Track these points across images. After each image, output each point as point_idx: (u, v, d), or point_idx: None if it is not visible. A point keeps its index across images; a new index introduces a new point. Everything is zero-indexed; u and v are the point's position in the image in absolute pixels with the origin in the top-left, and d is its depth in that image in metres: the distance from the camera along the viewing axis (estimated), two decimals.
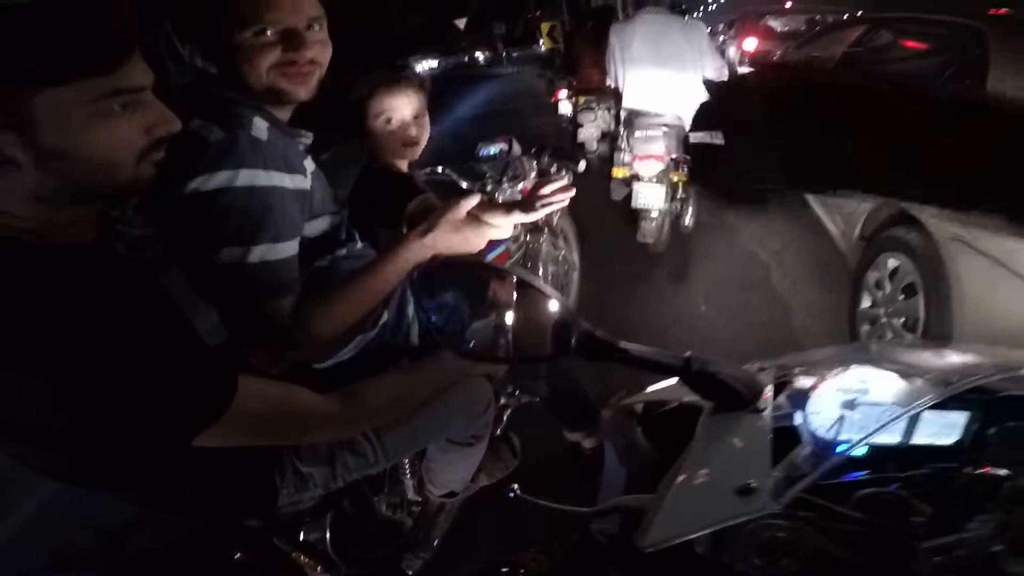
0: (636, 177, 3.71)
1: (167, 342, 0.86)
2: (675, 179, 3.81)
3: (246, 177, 1.04)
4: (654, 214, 3.78)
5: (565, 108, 6.32)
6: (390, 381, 1.29)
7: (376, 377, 1.22)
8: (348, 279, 1.19)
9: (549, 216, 2.70)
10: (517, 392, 2.15)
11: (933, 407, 0.75)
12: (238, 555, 1.36)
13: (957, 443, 0.81)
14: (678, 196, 4.07)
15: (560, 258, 3.08)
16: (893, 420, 0.74)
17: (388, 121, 1.68)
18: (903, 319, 2.44)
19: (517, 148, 2.78)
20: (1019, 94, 2.28)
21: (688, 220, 4.23)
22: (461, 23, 26.07)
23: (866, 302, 2.77)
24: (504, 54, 34.17)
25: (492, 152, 2.70)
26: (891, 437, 0.80)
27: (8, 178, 0.75)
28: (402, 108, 1.70)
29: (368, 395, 1.19)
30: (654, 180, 3.68)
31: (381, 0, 17.88)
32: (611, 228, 4.22)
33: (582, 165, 2.21)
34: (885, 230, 2.68)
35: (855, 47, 4.09)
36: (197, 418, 0.85)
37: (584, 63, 5.86)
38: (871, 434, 0.74)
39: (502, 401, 2.09)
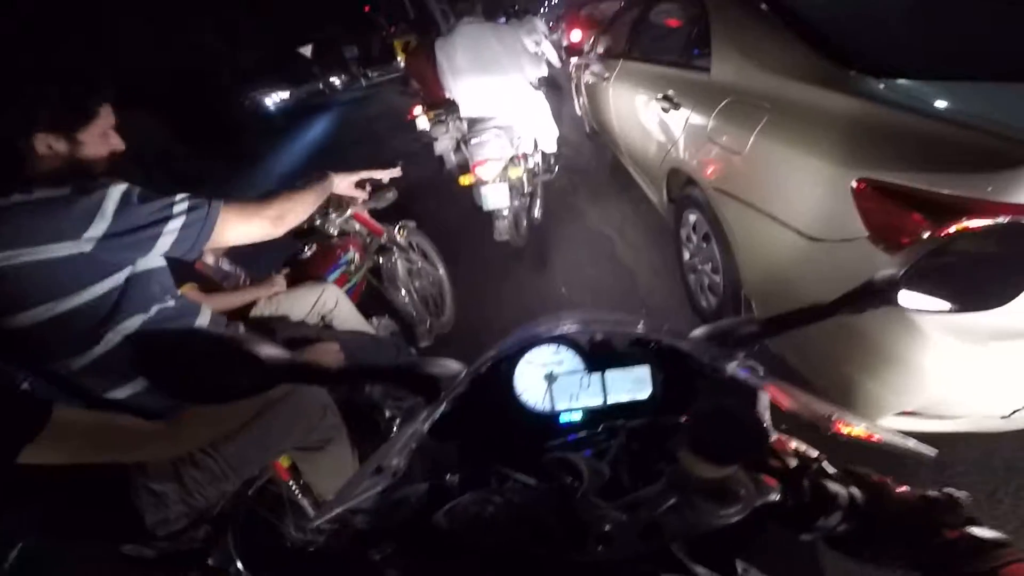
0: (481, 181, 3.89)
1: None
2: (514, 176, 4.01)
3: None
4: (505, 212, 4.01)
5: (423, 124, 6.16)
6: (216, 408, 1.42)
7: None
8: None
9: (391, 233, 2.83)
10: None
11: (617, 365, 0.84)
12: None
13: (652, 396, 0.85)
14: (524, 192, 4.33)
15: (421, 272, 3.22)
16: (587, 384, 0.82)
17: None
18: (709, 264, 2.78)
19: None
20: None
21: (538, 212, 4.52)
22: (307, 51, 25.49)
23: (686, 255, 3.13)
24: (361, 76, 33.95)
25: None
26: (595, 399, 0.85)
27: None
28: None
29: (185, 419, 1.36)
30: (496, 181, 3.88)
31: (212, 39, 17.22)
32: (477, 232, 4.42)
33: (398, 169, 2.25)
34: (682, 190, 3.03)
35: (635, 28, 4.43)
36: (16, 436, 1.05)
37: (428, 78, 5.83)
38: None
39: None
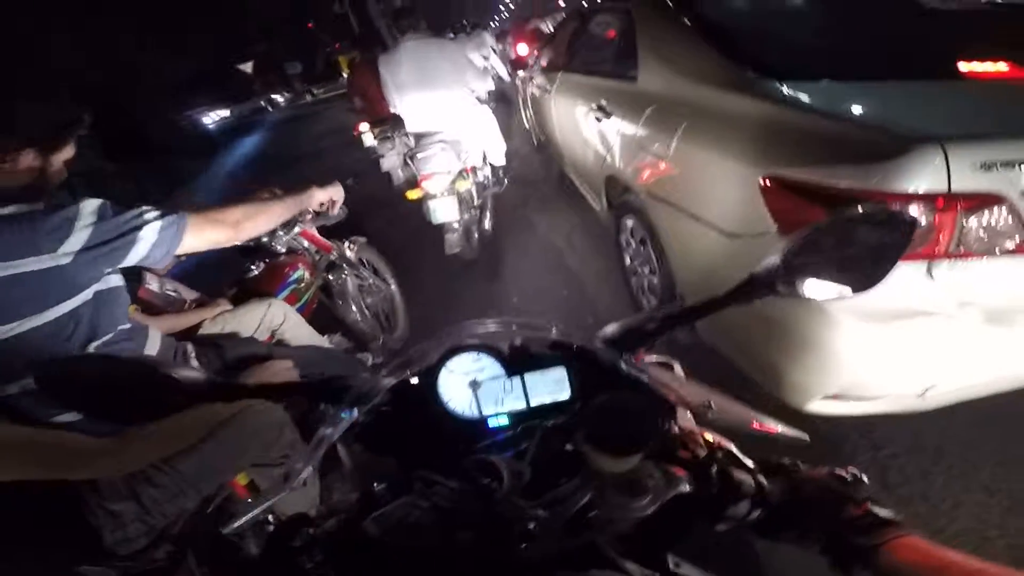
0: (428, 195, 3.94)
1: None
2: (462, 189, 4.06)
3: None
4: (455, 225, 4.06)
5: (369, 140, 5.85)
6: (158, 425, 1.42)
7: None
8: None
9: (341, 250, 2.86)
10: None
11: (536, 368, 0.85)
12: None
13: (572, 396, 0.86)
14: (474, 205, 4.40)
15: (372, 288, 3.23)
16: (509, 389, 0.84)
17: None
18: (647, 267, 2.89)
19: (279, 193, 3.02)
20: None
21: (488, 224, 4.60)
22: (247, 67, 25.01)
23: (627, 259, 3.23)
24: (306, 92, 33.42)
25: None
26: (519, 403, 0.86)
27: None
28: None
29: (131, 436, 1.37)
30: (444, 194, 3.93)
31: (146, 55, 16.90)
32: (428, 246, 4.45)
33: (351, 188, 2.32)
34: (620, 197, 3.14)
35: (573, 41, 4.59)
36: None
37: (372, 94, 5.78)
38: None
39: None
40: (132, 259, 1.42)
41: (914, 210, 1.52)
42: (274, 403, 1.68)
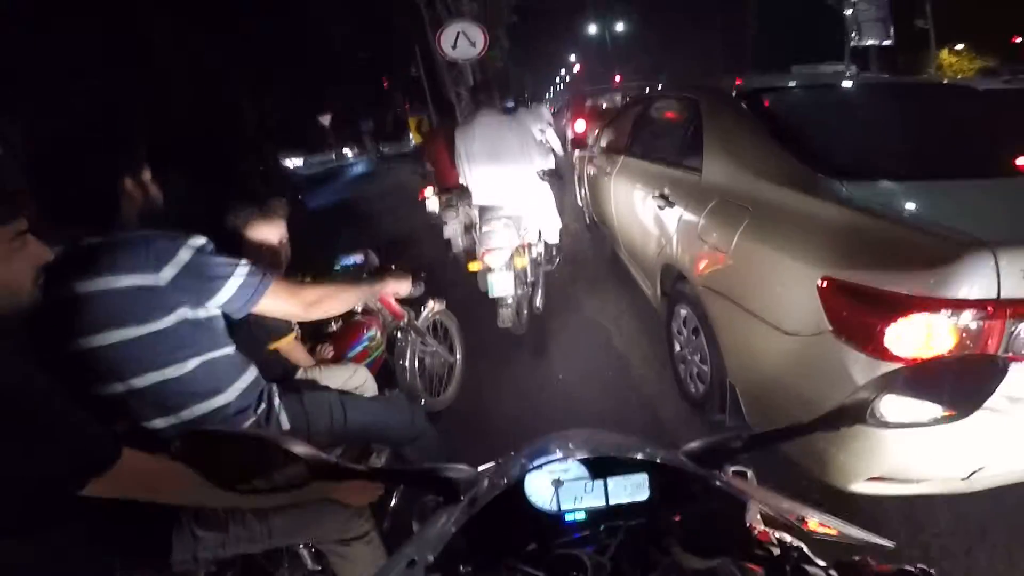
0: (489, 269, 4.01)
1: (64, 419, 1.20)
2: (519, 265, 4.16)
3: None
4: (509, 300, 4.11)
5: (432, 205, 6.40)
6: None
7: None
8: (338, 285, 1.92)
9: (411, 318, 2.94)
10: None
11: (619, 473, 0.90)
12: None
13: (650, 498, 0.90)
14: (527, 281, 4.49)
15: (434, 353, 3.32)
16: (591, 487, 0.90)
17: (260, 247, 2.08)
18: (698, 355, 2.92)
19: (374, 258, 3.18)
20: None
21: (539, 301, 4.68)
22: (325, 120, 26.00)
23: (677, 346, 3.28)
24: (374, 149, 34.21)
25: (350, 263, 3.08)
26: (598, 502, 0.91)
27: None
28: (271, 236, 2.13)
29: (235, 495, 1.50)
30: (503, 269, 4.01)
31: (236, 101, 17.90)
32: (479, 316, 4.49)
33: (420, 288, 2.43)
34: (674, 285, 3.21)
35: (637, 125, 4.71)
36: (83, 471, 1.19)
37: (442, 161, 6.04)
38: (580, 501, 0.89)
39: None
40: (214, 302, 1.58)
41: (966, 316, 1.57)
42: (377, 486, 1.76)
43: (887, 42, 17.56)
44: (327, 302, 1.85)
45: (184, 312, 1.54)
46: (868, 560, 0.73)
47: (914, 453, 1.78)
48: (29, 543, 1.31)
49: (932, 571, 0.67)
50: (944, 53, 26.90)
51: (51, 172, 1.57)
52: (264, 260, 2.00)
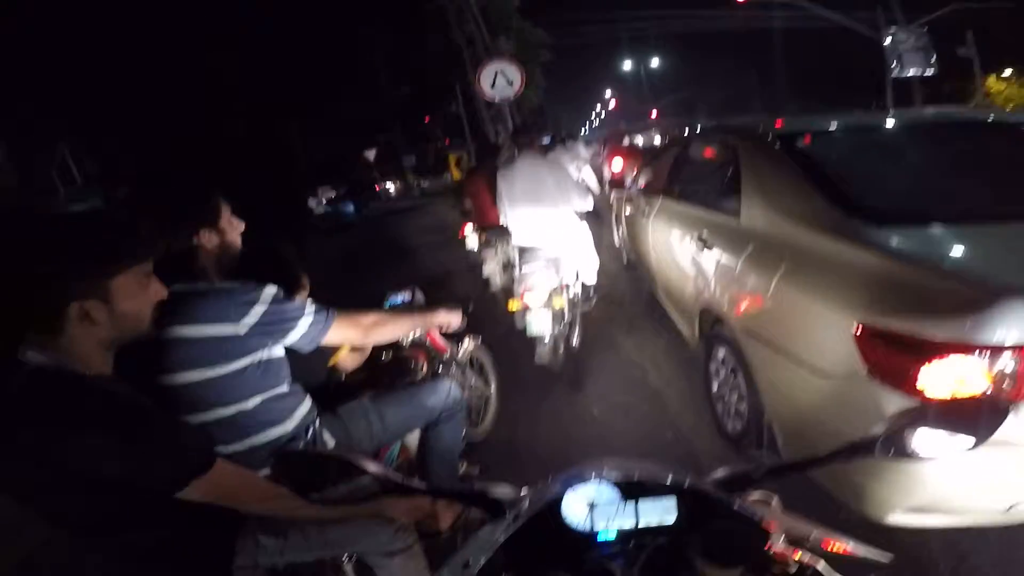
0: (527, 308, 4.15)
1: (171, 424, 1.43)
2: (557, 305, 4.26)
3: None
4: (546, 339, 4.23)
5: (472, 243, 6.55)
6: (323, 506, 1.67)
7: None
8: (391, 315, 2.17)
9: (455, 352, 3.10)
10: None
11: (649, 496, 0.96)
12: None
13: (677, 520, 0.95)
14: (565, 320, 4.56)
15: (472, 387, 3.42)
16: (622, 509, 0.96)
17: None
18: (736, 394, 2.98)
19: (420, 296, 3.32)
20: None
21: (576, 340, 4.74)
22: (371, 155, 26.48)
23: (715, 386, 3.32)
24: (415, 184, 34.85)
25: (398, 301, 3.24)
26: (628, 522, 0.97)
27: (90, 333, 1.33)
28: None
29: (304, 504, 1.61)
30: (542, 308, 4.13)
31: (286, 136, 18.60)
32: (516, 353, 4.61)
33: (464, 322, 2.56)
34: (712, 328, 3.27)
35: (675, 167, 4.80)
36: (189, 472, 1.36)
37: (482, 200, 6.23)
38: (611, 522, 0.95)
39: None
40: (287, 341, 1.81)
41: (1002, 360, 1.62)
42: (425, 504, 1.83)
43: (929, 71, 17.41)
44: (384, 326, 2.08)
45: (259, 354, 1.76)
46: None
47: (950, 485, 1.81)
48: (97, 547, 1.49)
49: None
50: (991, 80, 26.45)
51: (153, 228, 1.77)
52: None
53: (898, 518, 1.93)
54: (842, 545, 0.93)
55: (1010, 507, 1.82)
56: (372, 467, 0.92)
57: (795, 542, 0.93)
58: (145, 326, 1.45)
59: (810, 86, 27.37)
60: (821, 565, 0.88)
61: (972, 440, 0.93)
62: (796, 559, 0.90)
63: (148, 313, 1.45)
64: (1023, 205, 2.30)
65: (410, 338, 2.73)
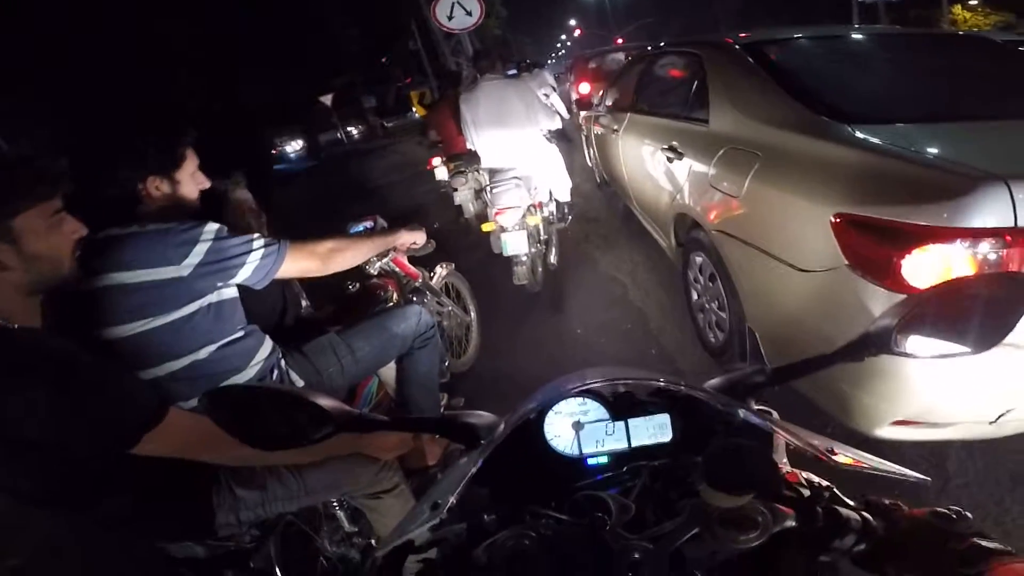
0: (501, 228, 4.10)
1: (115, 375, 1.31)
2: (532, 223, 4.24)
3: None
4: (523, 258, 4.19)
5: (441, 174, 6.38)
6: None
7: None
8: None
9: (426, 278, 2.99)
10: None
11: (640, 414, 0.91)
12: None
13: (673, 439, 0.91)
14: (541, 239, 4.55)
15: (451, 314, 3.36)
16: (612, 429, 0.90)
17: (241, 208, 2.13)
18: (716, 302, 2.97)
19: (382, 222, 3.24)
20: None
21: (553, 259, 4.74)
22: (327, 100, 25.83)
23: (694, 295, 3.32)
24: (378, 125, 33.98)
25: (360, 229, 3.16)
26: (620, 444, 0.92)
27: (2, 279, 1.22)
28: (247, 198, 2.19)
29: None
30: (516, 228, 4.08)
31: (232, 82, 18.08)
32: (494, 276, 4.60)
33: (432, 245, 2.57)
34: (688, 234, 3.24)
35: (640, 83, 4.72)
36: (137, 426, 1.26)
37: (448, 130, 6.16)
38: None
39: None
40: (237, 279, 1.66)
41: (984, 246, 1.59)
42: (404, 441, 1.79)
43: None
44: (343, 252, 1.92)
45: (208, 297, 1.62)
46: (900, 504, 0.72)
47: (939, 393, 1.78)
48: (76, 519, 1.43)
49: (968, 514, 0.65)
50: (958, 8, 26.18)
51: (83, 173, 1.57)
52: (247, 220, 2.09)
53: (886, 432, 1.93)
54: (864, 461, 0.84)
55: (998, 416, 1.80)
56: (325, 401, 0.81)
57: (801, 461, 0.86)
58: (66, 269, 1.32)
59: (777, 12, 26.83)
60: (835, 488, 0.80)
61: (1004, 327, 0.81)
62: (806, 480, 0.83)
63: (67, 254, 1.32)
64: (994, 106, 2.33)
65: (378, 266, 2.65)
